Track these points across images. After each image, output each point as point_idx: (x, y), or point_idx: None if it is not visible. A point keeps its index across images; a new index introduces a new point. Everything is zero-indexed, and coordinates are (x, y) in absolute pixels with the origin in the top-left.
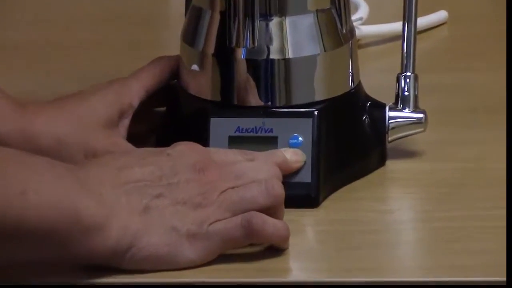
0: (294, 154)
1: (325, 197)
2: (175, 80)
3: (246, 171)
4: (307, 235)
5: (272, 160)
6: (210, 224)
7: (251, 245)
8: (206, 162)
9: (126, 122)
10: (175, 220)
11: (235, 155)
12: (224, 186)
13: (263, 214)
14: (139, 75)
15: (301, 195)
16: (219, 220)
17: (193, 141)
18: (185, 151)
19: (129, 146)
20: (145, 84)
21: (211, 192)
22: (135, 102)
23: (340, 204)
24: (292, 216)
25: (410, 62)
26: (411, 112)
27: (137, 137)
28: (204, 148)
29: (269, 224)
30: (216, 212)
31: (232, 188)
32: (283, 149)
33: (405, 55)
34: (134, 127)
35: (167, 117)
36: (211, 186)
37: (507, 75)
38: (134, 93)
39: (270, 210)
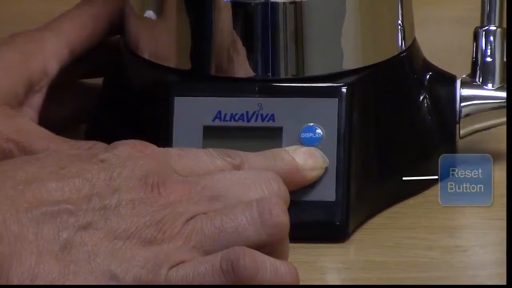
0: (309, 157)
1: (358, 226)
2: (118, 36)
3: (229, 187)
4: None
5: (273, 167)
6: (171, 268)
7: None
8: (164, 173)
9: (37, 99)
10: (114, 263)
11: (212, 160)
12: (193, 210)
13: (255, 252)
14: (59, 25)
15: (319, 222)
16: (185, 262)
17: (146, 137)
18: (130, 155)
19: (46, 134)
20: (69, 39)
21: (172, 220)
22: (53, 68)
23: (382, 237)
24: (305, 255)
25: (495, 10)
26: (497, 89)
27: (55, 127)
28: (162, 149)
29: (266, 267)
30: (180, 250)
31: (205, 213)
32: (290, 148)
33: None
34: (52, 110)
35: (105, 96)
36: (172, 211)
37: (507, 75)
38: (50, 53)
39: (267, 248)
